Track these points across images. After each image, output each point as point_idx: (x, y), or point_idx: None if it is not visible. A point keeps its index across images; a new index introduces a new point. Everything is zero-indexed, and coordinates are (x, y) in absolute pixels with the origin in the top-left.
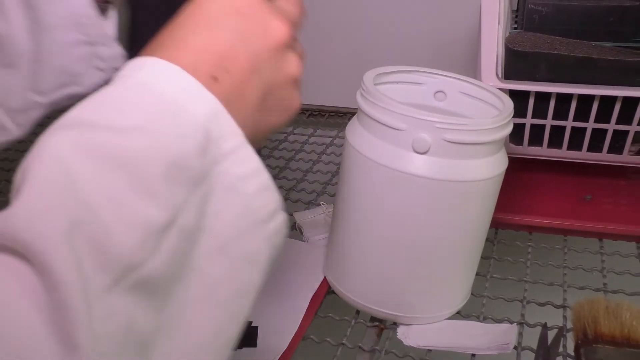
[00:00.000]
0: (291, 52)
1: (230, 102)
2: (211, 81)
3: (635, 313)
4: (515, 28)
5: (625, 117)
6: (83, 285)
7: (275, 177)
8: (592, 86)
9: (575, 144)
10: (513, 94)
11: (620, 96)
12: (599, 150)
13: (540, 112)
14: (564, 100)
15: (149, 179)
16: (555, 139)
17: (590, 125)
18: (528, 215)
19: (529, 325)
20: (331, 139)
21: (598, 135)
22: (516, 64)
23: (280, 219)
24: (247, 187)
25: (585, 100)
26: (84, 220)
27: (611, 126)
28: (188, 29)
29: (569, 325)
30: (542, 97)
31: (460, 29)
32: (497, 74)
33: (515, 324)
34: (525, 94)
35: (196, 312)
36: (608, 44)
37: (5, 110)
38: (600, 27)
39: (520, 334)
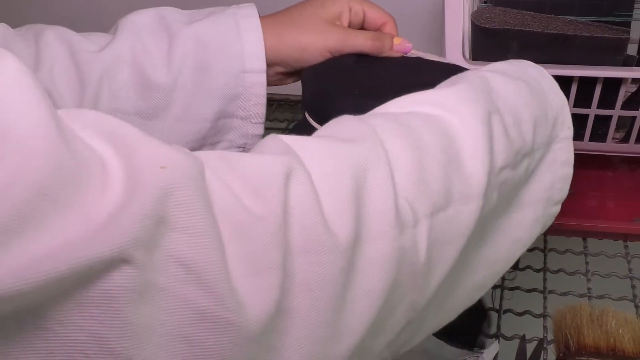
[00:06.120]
0: None
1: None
2: None
3: (622, 320)
4: (485, 2)
5: (607, 100)
6: (485, 142)
7: None
8: (568, 66)
9: None
10: None
11: (601, 77)
12: (580, 138)
13: None
14: None
15: (521, 116)
16: None
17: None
18: None
19: (506, 338)
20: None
21: (578, 121)
22: (484, 42)
23: (557, 210)
24: (560, 171)
25: (562, 83)
26: (496, 113)
27: (592, 111)
28: None
29: (550, 336)
30: None
31: (422, 1)
32: (463, 54)
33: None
34: None
35: (500, 241)
36: (585, 19)
37: None
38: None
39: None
